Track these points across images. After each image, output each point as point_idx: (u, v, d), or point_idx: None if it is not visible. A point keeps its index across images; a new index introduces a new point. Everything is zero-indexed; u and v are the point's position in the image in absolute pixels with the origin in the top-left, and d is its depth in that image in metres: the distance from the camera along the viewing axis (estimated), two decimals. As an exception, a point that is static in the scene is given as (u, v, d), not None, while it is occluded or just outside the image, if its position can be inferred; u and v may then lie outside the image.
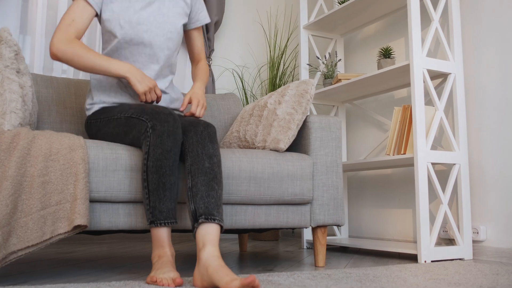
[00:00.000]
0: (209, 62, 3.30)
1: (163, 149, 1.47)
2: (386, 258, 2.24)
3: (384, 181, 2.77)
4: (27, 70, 1.60)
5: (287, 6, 3.77)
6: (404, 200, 2.63)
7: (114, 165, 1.56)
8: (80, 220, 1.44)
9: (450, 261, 2.04)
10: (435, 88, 2.45)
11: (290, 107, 1.91)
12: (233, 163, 1.74)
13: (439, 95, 2.44)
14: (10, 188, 1.39)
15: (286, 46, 3.37)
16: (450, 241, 2.35)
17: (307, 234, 2.77)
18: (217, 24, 3.35)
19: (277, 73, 3.32)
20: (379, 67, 2.47)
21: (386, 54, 2.47)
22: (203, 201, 1.42)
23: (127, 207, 1.61)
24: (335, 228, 2.90)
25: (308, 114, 2.00)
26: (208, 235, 1.38)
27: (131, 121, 1.58)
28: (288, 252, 2.50)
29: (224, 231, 1.46)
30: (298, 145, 2.03)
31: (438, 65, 2.24)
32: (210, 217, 1.40)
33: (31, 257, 2.14)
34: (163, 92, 1.88)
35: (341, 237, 2.90)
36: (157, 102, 1.73)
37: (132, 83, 1.65)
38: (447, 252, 2.13)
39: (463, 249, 2.18)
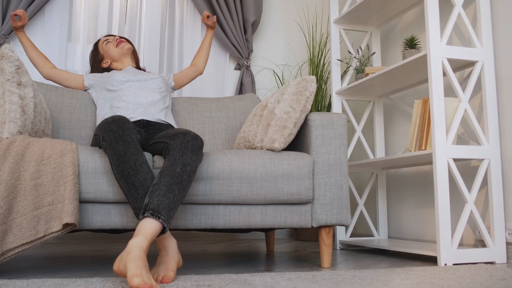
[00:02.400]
0: (248, 62, 3.32)
1: (118, 155, 1.55)
2: (411, 260, 2.13)
3: (423, 178, 2.62)
4: (30, 82, 1.74)
5: (325, 1, 3.70)
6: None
7: (103, 168, 1.65)
8: (68, 218, 1.54)
9: (473, 265, 1.88)
10: (466, 78, 2.28)
11: (288, 105, 1.88)
12: (224, 164, 1.76)
13: (466, 86, 2.26)
14: (3, 191, 1.52)
15: (326, 43, 3.30)
16: (485, 243, 2.17)
17: (341, 235, 2.70)
18: (254, 24, 3.37)
19: (317, 70, 3.26)
20: (404, 58, 2.35)
21: (412, 44, 2.34)
22: (157, 199, 1.45)
23: (118, 207, 1.69)
24: (373, 228, 2.79)
25: (309, 111, 1.95)
26: (146, 228, 1.40)
27: (95, 138, 1.73)
28: (315, 253, 2.45)
29: (166, 231, 1.47)
30: (300, 144, 2.00)
31: (462, 53, 2.08)
32: (156, 214, 1.42)
33: (65, 253, 2.32)
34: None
35: (380, 238, 2.78)
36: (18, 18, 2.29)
37: None
38: (474, 254, 1.97)
39: (493, 251, 2.00)
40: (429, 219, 2.55)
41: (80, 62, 3.06)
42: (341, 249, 2.67)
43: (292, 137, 1.87)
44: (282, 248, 2.67)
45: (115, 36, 2.49)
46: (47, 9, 3.00)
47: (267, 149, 1.88)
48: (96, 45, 2.49)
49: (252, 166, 1.78)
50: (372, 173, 2.84)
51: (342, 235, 2.70)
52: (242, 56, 3.33)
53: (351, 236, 3.25)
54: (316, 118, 1.92)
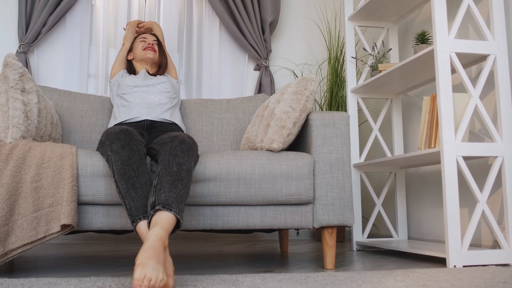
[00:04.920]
0: (266, 63, 3.32)
1: (122, 160, 1.56)
2: (424, 262, 2.06)
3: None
4: (34, 89, 1.81)
5: (342, -2, 3.65)
6: (460, 198, 2.38)
7: (101, 171, 1.69)
8: (65, 220, 1.59)
9: (483, 267, 1.81)
10: (478, 73, 2.19)
11: (287, 105, 1.87)
12: (221, 165, 1.76)
13: (477, 80, 2.17)
14: (5, 194, 1.59)
15: (343, 41, 3.25)
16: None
17: (357, 236, 2.65)
18: (272, 24, 3.36)
19: (336, 68, 3.22)
20: (415, 54, 2.28)
21: (423, 39, 2.27)
22: (164, 195, 1.44)
23: (118, 209, 1.72)
24: (392, 229, 2.72)
25: (310, 111, 1.93)
26: (162, 219, 1.39)
27: (103, 145, 1.70)
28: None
29: (180, 228, 1.46)
30: (302, 143, 1.98)
31: (472, 47, 2.00)
32: (167, 207, 1.41)
33: (81, 254, 2.39)
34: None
35: (399, 238, 2.71)
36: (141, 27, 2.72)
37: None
38: (487, 256, 1.89)
39: (508, 253, 1.92)
40: (448, 219, 2.47)
41: (101, 65, 3.15)
42: (357, 250, 2.62)
43: (292, 137, 1.86)
44: (299, 249, 2.65)
45: (154, 36, 2.50)
46: (69, 16, 3.10)
47: (267, 150, 1.88)
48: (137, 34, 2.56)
49: (250, 167, 1.78)
50: (391, 172, 2.78)
51: (359, 236, 2.65)
52: (260, 57, 3.32)
53: (372, 237, 3.19)
54: (317, 118, 1.89)
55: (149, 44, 2.43)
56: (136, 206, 1.51)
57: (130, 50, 2.50)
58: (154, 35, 2.55)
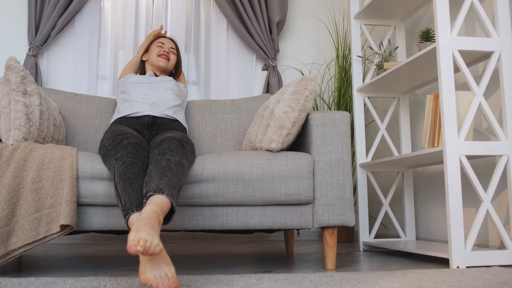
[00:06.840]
0: (274, 63, 3.31)
1: (125, 165, 1.57)
2: (430, 262, 2.04)
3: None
4: (36, 91, 1.84)
5: (350, -3, 3.62)
6: (467, 198, 2.34)
7: (101, 174, 1.71)
8: (64, 220, 1.61)
9: (485, 268, 1.77)
10: (483, 71, 2.15)
11: (287, 105, 1.86)
12: (219, 166, 1.77)
13: (481, 78, 2.14)
14: (6, 195, 1.62)
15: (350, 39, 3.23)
16: None
17: (364, 236, 2.62)
18: (280, 24, 3.35)
19: (344, 67, 3.20)
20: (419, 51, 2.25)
21: (427, 37, 2.24)
22: (155, 183, 1.45)
23: (117, 209, 1.74)
24: (399, 229, 2.69)
25: (311, 111, 1.92)
26: (154, 200, 1.39)
27: (107, 153, 1.71)
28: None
29: (174, 213, 1.48)
30: (303, 143, 1.97)
31: (475, 44, 1.97)
32: (158, 191, 1.42)
33: (87, 254, 2.42)
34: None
35: (407, 239, 2.68)
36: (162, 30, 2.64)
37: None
38: (491, 257, 1.86)
39: (514, 254, 1.88)
40: (456, 220, 2.43)
41: (109, 67, 3.19)
42: (364, 250, 2.60)
43: (291, 137, 1.85)
44: (304, 250, 2.64)
45: (173, 43, 2.50)
46: (77, 19, 3.15)
47: (266, 150, 1.87)
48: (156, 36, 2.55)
49: (248, 168, 1.78)
50: (398, 172, 2.75)
51: (366, 236, 2.63)
52: (268, 57, 3.32)
53: (381, 237, 3.16)
54: (317, 117, 1.88)
55: (164, 51, 2.42)
56: (131, 200, 1.48)
57: (146, 51, 2.50)
58: (174, 41, 2.54)
